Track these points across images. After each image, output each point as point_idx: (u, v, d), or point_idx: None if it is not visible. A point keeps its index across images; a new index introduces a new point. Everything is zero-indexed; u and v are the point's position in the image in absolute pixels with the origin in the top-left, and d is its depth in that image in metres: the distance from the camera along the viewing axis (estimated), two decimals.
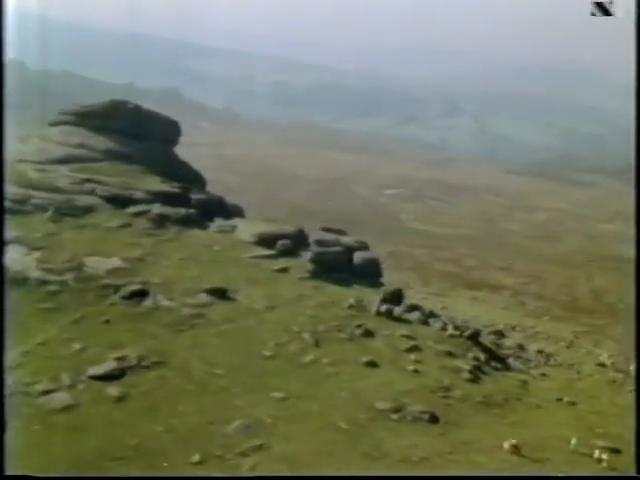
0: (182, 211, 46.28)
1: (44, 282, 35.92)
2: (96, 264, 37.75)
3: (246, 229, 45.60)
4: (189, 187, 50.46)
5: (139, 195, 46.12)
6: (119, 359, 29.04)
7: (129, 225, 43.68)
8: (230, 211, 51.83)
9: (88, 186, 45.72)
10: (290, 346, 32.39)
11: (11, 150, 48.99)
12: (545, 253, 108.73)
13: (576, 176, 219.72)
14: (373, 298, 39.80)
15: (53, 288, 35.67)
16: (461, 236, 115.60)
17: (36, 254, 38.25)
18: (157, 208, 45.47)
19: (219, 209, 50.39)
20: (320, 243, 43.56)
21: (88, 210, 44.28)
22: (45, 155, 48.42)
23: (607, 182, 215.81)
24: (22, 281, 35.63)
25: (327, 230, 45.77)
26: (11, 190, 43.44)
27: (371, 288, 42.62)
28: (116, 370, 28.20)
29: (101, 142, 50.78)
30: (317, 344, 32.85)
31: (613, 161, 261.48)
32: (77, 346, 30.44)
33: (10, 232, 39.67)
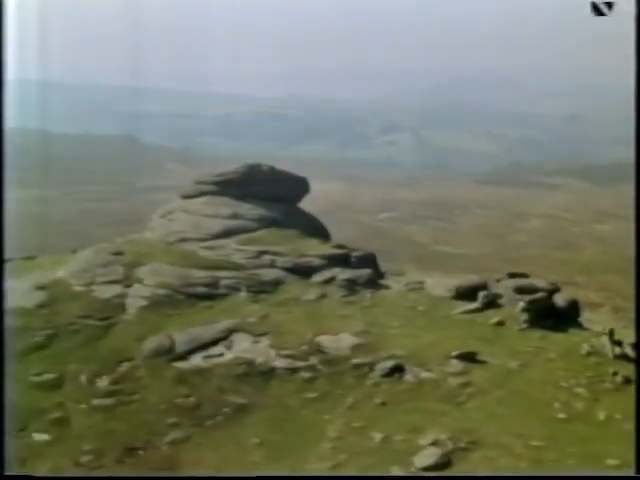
0: (364, 273, 44.83)
1: (294, 370, 34.18)
2: (331, 343, 36.11)
3: (436, 284, 44.31)
4: (344, 246, 48.90)
5: (316, 261, 44.45)
6: (433, 444, 27.77)
7: (324, 296, 42.00)
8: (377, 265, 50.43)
9: (266, 258, 43.96)
10: (575, 404, 31.40)
11: (156, 228, 47.10)
12: (578, 262, 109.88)
13: (539, 180, 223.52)
14: (600, 341, 39.00)
15: (307, 375, 34.02)
16: (486, 255, 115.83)
17: (265, 341, 36.36)
18: (341, 273, 44.01)
19: (373, 264, 48.89)
20: (520, 290, 42.53)
21: (276, 284, 42.54)
22: (204, 231, 46.44)
23: (571, 183, 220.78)
24: (270, 372, 33.94)
25: (513, 275, 44.79)
26: (198, 274, 41.41)
27: (580, 330, 41.84)
28: (442, 457, 26.91)
29: (250, 210, 48.96)
30: (596, 399, 31.90)
31: (565, 162, 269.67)
32: (378, 435, 29.02)
33: (223, 319, 37.82)
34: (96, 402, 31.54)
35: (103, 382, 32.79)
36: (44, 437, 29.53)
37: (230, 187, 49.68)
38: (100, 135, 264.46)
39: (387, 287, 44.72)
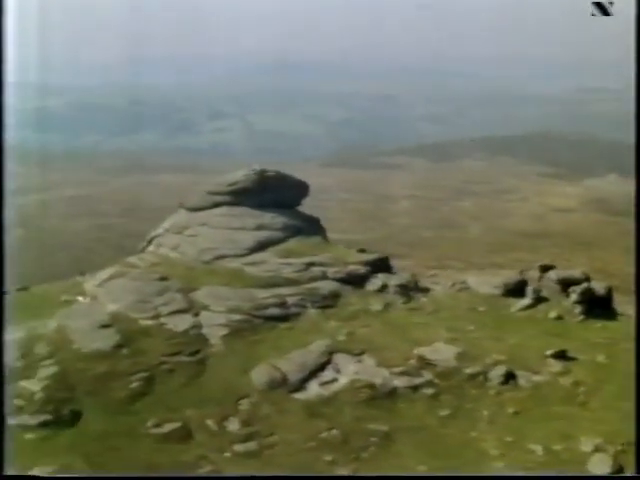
0: (406, 277, 44.40)
1: (415, 388, 33.41)
2: (433, 354, 35.57)
3: (478, 282, 44.62)
4: (364, 249, 48.08)
5: (361, 270, 43.32)
6: (597, 450, 28.50)
7: (389, 305, 41.19)
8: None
9: (315, 270, 42.30)
10: None
11: (179, 246, 43.91)
12: (477, 240, 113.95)
13: (381, 161, 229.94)
14: None
15: (429, 392, 33.40)
16: (380, 240, 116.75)
17: (368, 359, 35.12)
18: (388, 279, 43.29)
19: (387, 266, 48.39)
20: (562, 282, 43.81)
21: (335, 297, 41.09)
22: (239, 245, 43.75)
23: (411, 161, 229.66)
24: (393, 392, 32.97)
25: (544, 267, 45.99)
26: (261, 294, 39.12)
27: (621, 316, 43.90)
28: (615, 462, 27.60)
29: (273, 219, 46.73)
30: None
31: (397, 142, 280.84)
32: (537, 447, 29.36)
33: (311, 340, 36.07)
34: (239, 448, 29.01)
35: (234, 425, 30.17)
36: None
37: (244, 196, 47.06)
38: None
39: (428, 289, 44.36)
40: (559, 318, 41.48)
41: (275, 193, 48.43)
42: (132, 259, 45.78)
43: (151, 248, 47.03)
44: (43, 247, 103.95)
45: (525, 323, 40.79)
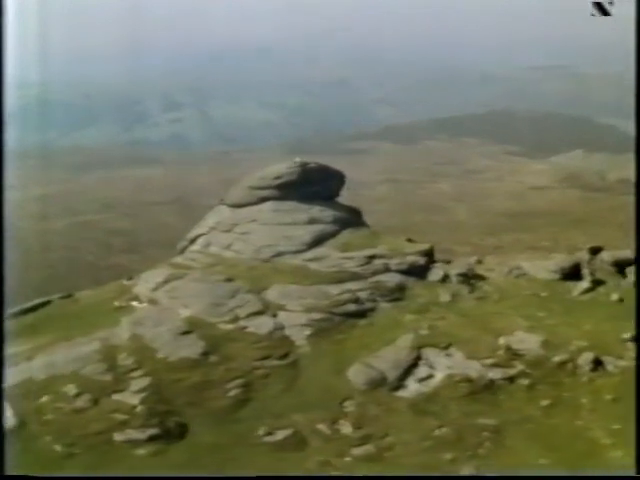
0: (461, 266, 44.01)
1: (511, 379, 33.00)
2: (518, 344, 35.31)
3: (533, 267, 44.45)
4: (412, 240, 47.57)
5: (420, 260, 42.70)
6: None
7: (456, 295, 40.66)
8: None
9: (377, 263, 41.45)
10: None
11: (232, 245, 42.76)
12: (466, 223, 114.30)
13: (347, 146, 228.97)
14: None
15: (525, 382, 33.18)
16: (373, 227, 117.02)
17: (456, 352, 34.61)
18: (451, 269, 42.85)
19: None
20: (616, 263, 44.00)
21: (402, 289, 40.43)
22: (296, 241, 42.70)
23: (377, 145, 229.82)
24: (490, 385, 32.57)
25: (595, 250, 46.09)
26: (333, 291, 38.28)
27: None
28: None
29: (321, 212, 45.76)
30: None
31: (355, 126, 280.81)
32: None
33: (394, 336, 35.39)
34: (357, 452, 28.24)
35: (346, 428, 29.34)
36: None
37: (290, 189, 45.89)
38: None
39: (484, 277, 44.00)
40: (621, 300, 41.49)
41: (318, 185, 47.45)
42: (179, 259, 44.40)
43: (196, 247, 45.56)
44: (28, 251, 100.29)
45: (591, 307, 40.69)
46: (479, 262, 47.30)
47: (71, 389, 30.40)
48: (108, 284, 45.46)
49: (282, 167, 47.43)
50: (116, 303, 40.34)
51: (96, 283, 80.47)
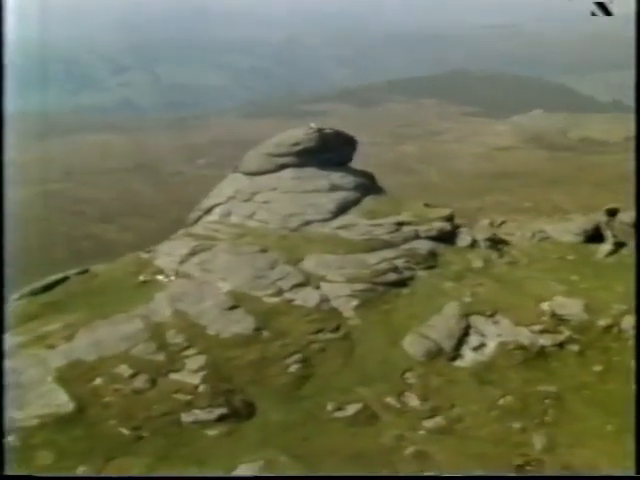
0: (486, 231, 43.84)
1: (560, 345, 33.14)
2: (562, 309, 35.32)
3: (555, 230, 44.59)
4: (429, 205, 47.17)
5: (447, 226, 42.38)
6: None
7: (488, 261, 40.48)
8: None
9: (406, 230, 40.93)
10: None
11: (255, 214, 41.74)
12: (440, 185, 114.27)
13: (305, 108, 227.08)
14: None
15: (574, 348, 33.24)
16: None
17: (503, 319, 34.45)
18: (476, 234, 42.65)
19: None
20: (635, 225, 44.32)
21: (434, 255, 40.05)
22: (321, 209, 41.83)
23: (336, 108, 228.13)
24: (542, 351, 32.60)
25: (612, 211, 46.32)
26: (370, 260, 37.67)
27: None
28: None
29: (342, 178, 44.97)
30: None
31: (307, 88, 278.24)
32: None
33: (438, 305, 35.04)
34: (429, 424, 27.96)
35: (413, 401, 28.96)
36: None
37: (309, 156, 44.85)
38: None
39: (508, 242, 43.91)
40: None
41: (334, 151, 46.47)
42: (198, 230, 43.02)
43: (213, 217, 44.23)
44: None
45: (619, 269, 40.87)
46: (494, 225, 47.29)
47: (125, 370, 29.17)
48: (122, 257, 43.74)
49: (299, 133, 46.28)
50: (141, 277, 38.93)
51: (78, 254, 78.80)
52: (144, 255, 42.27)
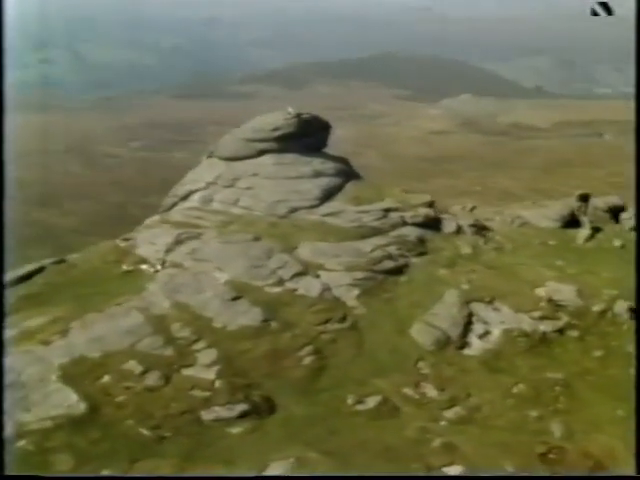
0: (469, 217, 44.09)
1: (560, 331, 33.51)
2: (557, 295, 35.81)
3: (532, 215, 45.18)
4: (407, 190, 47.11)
5: (431, 212, 42.37)
6: None
7: (476, 247, 40.68)
8: None
9: (393, 217, 40.67)
10: None
11: (239, 201, 40.70)
12: (413, 168, 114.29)
13: (233, 89, 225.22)
14: None
15: (574, 334, 33.90)
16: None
17: (502, 306, 34.64)
18: (460, 220, 42.79)
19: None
20: (611, 209, 45.54)
21: (422, 242, 39.95)
22: (306, 196, 41.01)
23: (263, 89, 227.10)
24: (543, 338, 32.93)
25: (583, 196, 47.29)
26: (364, 248, 37.28)
27: None
28: None
29: (322, 164, 44.16)
30: None
31: (237, 69, 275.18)
32: None
33: (439, 293, 34.99)
34: (449, 415, 27.85)
35: (431, 391, 28.77)
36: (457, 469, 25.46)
37: (289, 142, 43.85)
38: None
39: (490, 229, 44.23)
40: (623, 246, 42.91)
41: (312, 136, 45.70)
42: (177, 217, 41.56)
43: (192, 204, 42.77)
44: None
45: (599, 254, 41.90)
46: (465, 210, 47.58)
47: (134, 366, 27.85)
48: (98, 245, 41.92)
49: (278, 118, 45.24)
50: (124, 267, 37.38)
51: (27, 240, 75.26)
52: (121, 243, 40.59)
